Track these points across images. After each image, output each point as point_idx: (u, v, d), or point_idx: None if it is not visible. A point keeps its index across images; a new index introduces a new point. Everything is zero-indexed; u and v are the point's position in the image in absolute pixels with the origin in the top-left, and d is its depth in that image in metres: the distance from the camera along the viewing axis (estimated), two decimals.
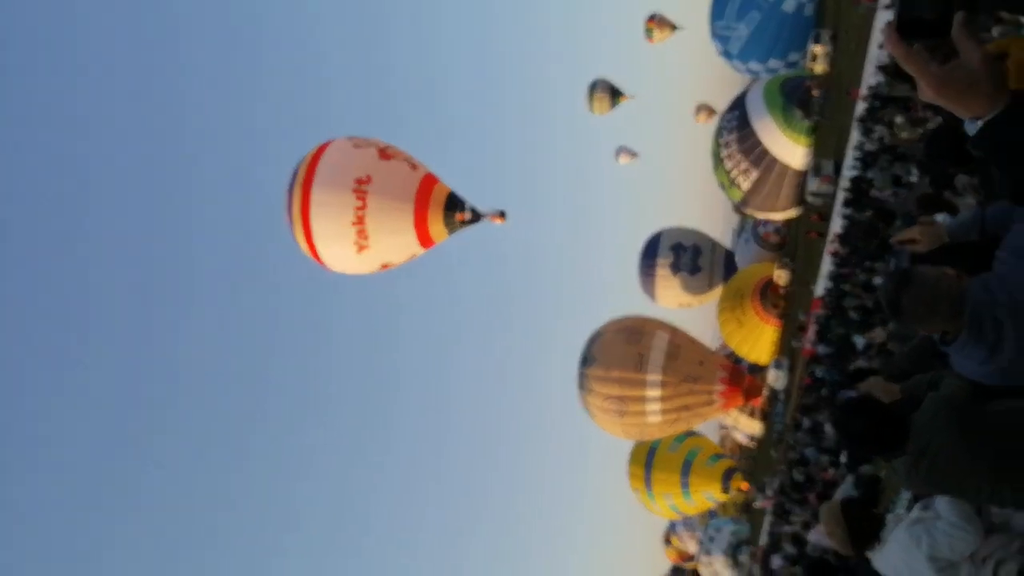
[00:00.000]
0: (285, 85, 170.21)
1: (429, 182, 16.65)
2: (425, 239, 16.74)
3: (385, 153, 16.34)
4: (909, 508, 4.52)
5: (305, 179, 15.79)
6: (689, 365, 23.26)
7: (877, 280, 17.45)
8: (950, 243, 4.13)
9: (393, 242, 16.34)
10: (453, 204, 16.74)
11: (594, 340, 23.99)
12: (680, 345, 23.50)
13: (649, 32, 54.29)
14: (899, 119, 17.83)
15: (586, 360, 23.58)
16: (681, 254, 36.78)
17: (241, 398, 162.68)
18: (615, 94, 56.56)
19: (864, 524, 4.27)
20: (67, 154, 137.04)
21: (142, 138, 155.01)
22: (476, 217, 17.04)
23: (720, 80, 52.41)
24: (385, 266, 17.07)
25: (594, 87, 56.64)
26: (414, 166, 16.74)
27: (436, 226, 16.58)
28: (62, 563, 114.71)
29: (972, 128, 1.80)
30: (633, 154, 71.01)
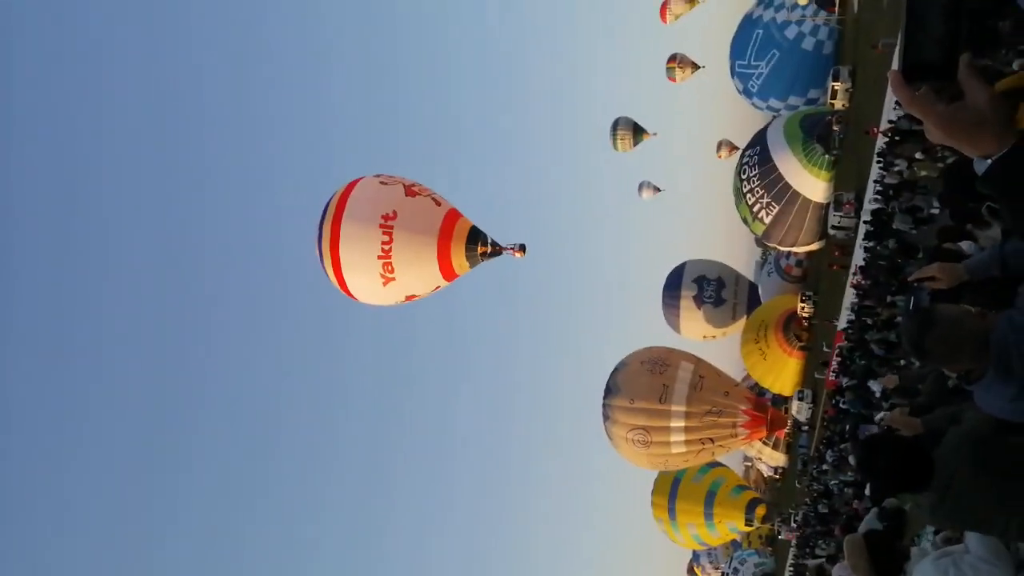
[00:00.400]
0: (317, 121, 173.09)
1: (452, 217, 17.44)
2: (448, 272, 17.47)
3: (411, 190, 17.22)
4: (934, 541, 4.45)
5: (335, 214, 16.73)
6: (714, 396, 23.45)
7: (900, 317, 17.65)
8: (970, 280, 3.99)
9: (418, 275, 17.13)
10: (475, 238, 17.50)
11: (618, 371, 24.25)
12: (704, 376, 23.72)
13: (671, 72, 55.21)
14: (918, 155, 18.16)
15: (610, 391, 23.81)
16: (705, 286, 37.03)
17: (272, 421, 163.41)
18: (638, 131, 57.34)
19: (888, 557, 4.18)
20: (104, 193, 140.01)
21: (181, 171, 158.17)
22: (497, 250, 17.76)
23: (741, 117, 53.07)
24: (410, 298, 17.84)
25: (616, 125, 57.45)
26: (438, 202, 17.57)
27: (459, 259, 17.34)
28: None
29: (981, 167, 1.82)
30: (656, 189, 71.54)
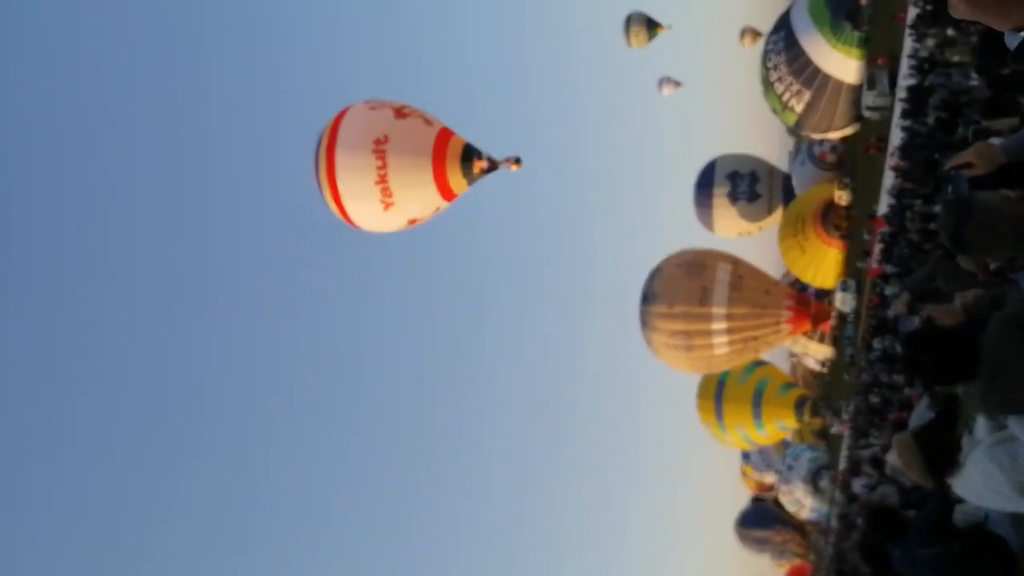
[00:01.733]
0: (308, 55, 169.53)
1: (444, 136, 17.22)
2: (446, 191, 17.25)
3: (400, 112, 16.93)
4: (987, 428, 4.28)
5: (328, 145, 16.62)
6: (754, 295, 23.09)
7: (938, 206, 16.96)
8: (1009, 163, 3.82)
9: (416, 197, 16.99)
10: (469, 154, 17.14)
11: (655, 276, 23.89)
12: (744, 276, 23.32)
13: None
14: (950, 31, 17.07)
15: (647, 297, 23.54)
16: (738, 182, 36.01)
17: (287, 381, 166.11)
18: (651, 25, 55.31)
19: (940, 451, 4.06)
20: (84, 139, 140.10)
21: (173, 130, 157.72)
22: (493, 165, 17.34)
23: (762, 1, 50.67)
24: (413, 222, 17.65)
25: (629, 20, 55.47)
26: (429, 122, 17.20)
27: (455, 178, 17.10)
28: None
29: (1013, 41, 1.65)
30: (677, 84, 69.51)
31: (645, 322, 23.60)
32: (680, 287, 22.93)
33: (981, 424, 3.90)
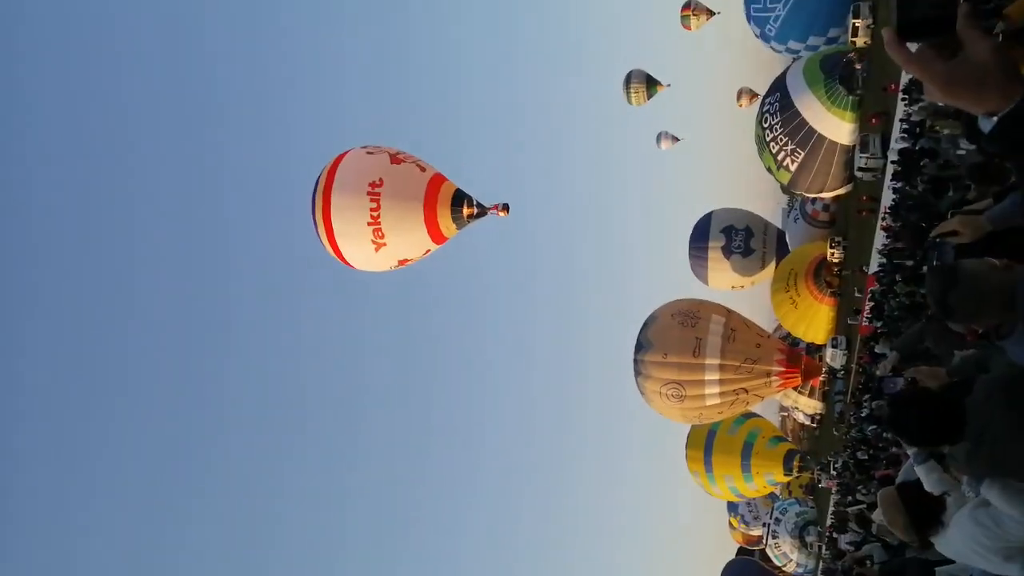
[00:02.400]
0: (316, 96, 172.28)
1: (437, 181, 18.04)
2: (436, 235, 18.09)
3: (396, 158, 17.87)
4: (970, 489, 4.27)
5: (325, 186, 17.47)
6: (747, 348, 23.33)
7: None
8: (994, 231, 3.89)
9: (407, 239, 17.80)
10: (459, 200, 18.04)
11: (649, 325, 24.13)
12: (736, 328, 23.58)
13: (686, 20, 54.11)
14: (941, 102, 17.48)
15: (642, 346, 23.73)
16: (733, 236, 36.60)
17: (291, 397, 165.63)
18: (651, 83, 56.51)
19: (925, 509, 4.07)
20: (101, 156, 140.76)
21: (186, 154, 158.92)
22: (482, 211, 18.23)
23: (760, 63, 51.99)
24: (403, 262, 18.49)
25: (630, 78, 56.65)
26: (423, 168, 18.15)
27: (445, 222, 17.96)
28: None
29: (986, 125, 1.68)
30: (675, 139, 70.77)
31: (639, 370, 23.77)
32: (674, 337, 23.18)
33: (965, 484, 3.92)
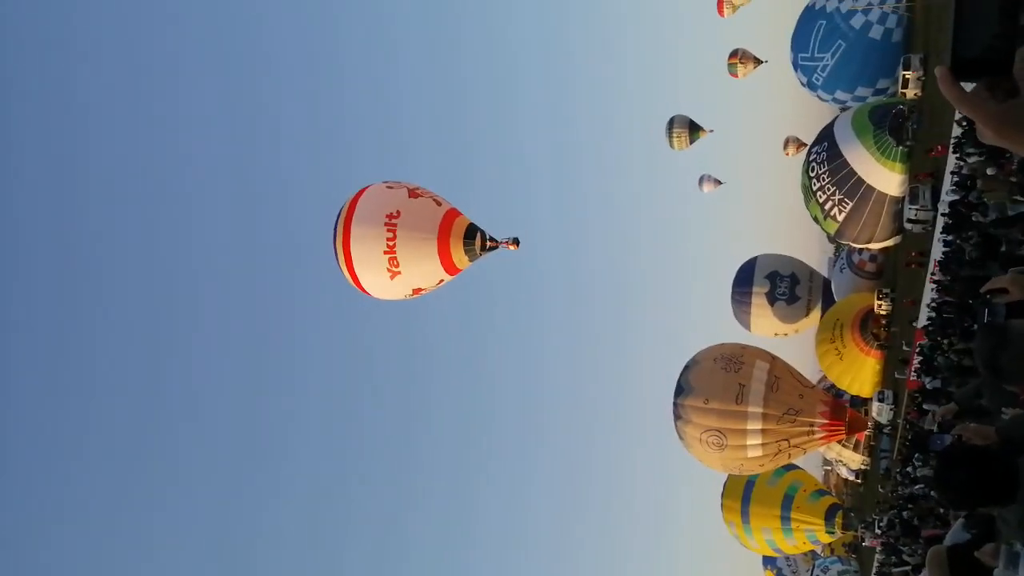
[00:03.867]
0: (355, 130, 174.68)
1: (451, 216, 18.97)
2: (449, 266, 18.96)
3: (414, 193, 18.93)
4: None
5: (347, 217, 18.58)
6: (790, 397, 22.84)
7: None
8: None
9: (421, 269, 18.72)
10: (472, 234, 18.95)
11: (690, 368, 23.74)
12: (780, 376, 23.13)
13: (733, 68, 54.47)
14: (989, 171, 17.15)
15: (682, 389, 23.31)
16: (778, 282, 36.22)
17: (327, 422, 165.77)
18: (694, 128, 56.82)
19: (971, 572, 3.96)
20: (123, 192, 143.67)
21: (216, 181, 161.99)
22: (494, 244, 19.14)
23: (806, 111, 51.97)
24: (417, 291, 19.38)
25: (672, 123, 57.07)
26: (439, 203, 19.13)
27: (458, 254, 18.86)
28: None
29: None
30: (717, 182, 70.80)
31: (678, 414, 23.33)
32: (717, 382, 22.75)
33: (1018, 548, 3.80)
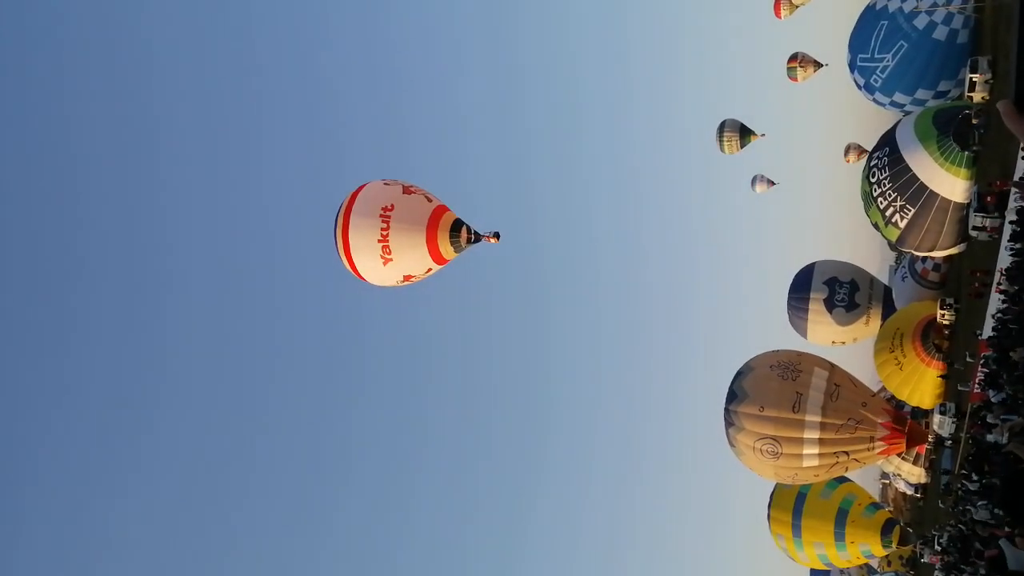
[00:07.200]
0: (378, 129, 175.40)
1: (440, 211, 20.85)
2: (437, 256, 20.80)
3: (408, 189, 20.96)
4: None
5: (347, 209, 20.59)
6: (850, 407, 22.29)
7: None
8: None
9: (410, 256, 20.55)
10: (457, 228, 20.75)
11: (744, 374, 23.32)
12: (841, 384, 22.60)
13: (792, 71, 53.74)
14: None
15: (735, 395, 22.91)
16: (837, 289, 35.45)
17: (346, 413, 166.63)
18: (745, 133, 56.20)
19: None
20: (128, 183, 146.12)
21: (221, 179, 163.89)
22: (477, 238, 20.89)
23: (865, 116, 50.85)
24: (408, 278, 21.26)
25: (723, 127, 56.57)
26: (430, 199, 21.04)
27: (444, 245, 20.71)
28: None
29: None
30: (771, 183, 69.84)
31: (731, 421, 22.93)
32: (772, 389, 22.29)
33: None
